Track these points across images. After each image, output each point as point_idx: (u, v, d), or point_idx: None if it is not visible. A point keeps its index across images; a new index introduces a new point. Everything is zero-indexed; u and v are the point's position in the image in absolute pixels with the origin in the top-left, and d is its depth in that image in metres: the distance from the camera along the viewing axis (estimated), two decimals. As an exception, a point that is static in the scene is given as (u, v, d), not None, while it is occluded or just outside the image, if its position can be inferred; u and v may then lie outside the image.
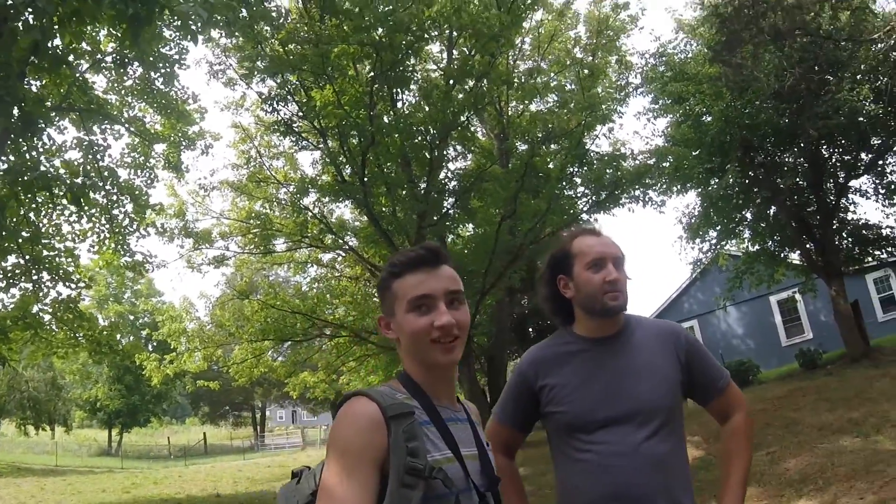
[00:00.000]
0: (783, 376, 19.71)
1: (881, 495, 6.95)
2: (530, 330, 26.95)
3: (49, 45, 6.45)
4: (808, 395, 14.11)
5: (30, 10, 5.12)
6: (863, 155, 18.37)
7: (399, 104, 16.76)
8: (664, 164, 17.17)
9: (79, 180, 9.71)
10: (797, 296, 22.87)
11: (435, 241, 17.43)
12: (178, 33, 12.36)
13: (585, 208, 18.32)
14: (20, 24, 5.30)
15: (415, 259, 1.79)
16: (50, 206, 11.94)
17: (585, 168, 17.77)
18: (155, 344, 31.91)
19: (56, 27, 5.85)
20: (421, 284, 1.75)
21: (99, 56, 14.00)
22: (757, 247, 20.22)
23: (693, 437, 12.46)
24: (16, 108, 7.12)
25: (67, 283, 14.33)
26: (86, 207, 13.09)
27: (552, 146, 19.00)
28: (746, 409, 2.54)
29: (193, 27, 6.95)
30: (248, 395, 54.83)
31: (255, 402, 59.54)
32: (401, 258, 1.82)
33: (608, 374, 2.37)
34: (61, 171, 10.66)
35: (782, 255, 20.03)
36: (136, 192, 16.28)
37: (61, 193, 8.42)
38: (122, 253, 16.50)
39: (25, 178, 7.85)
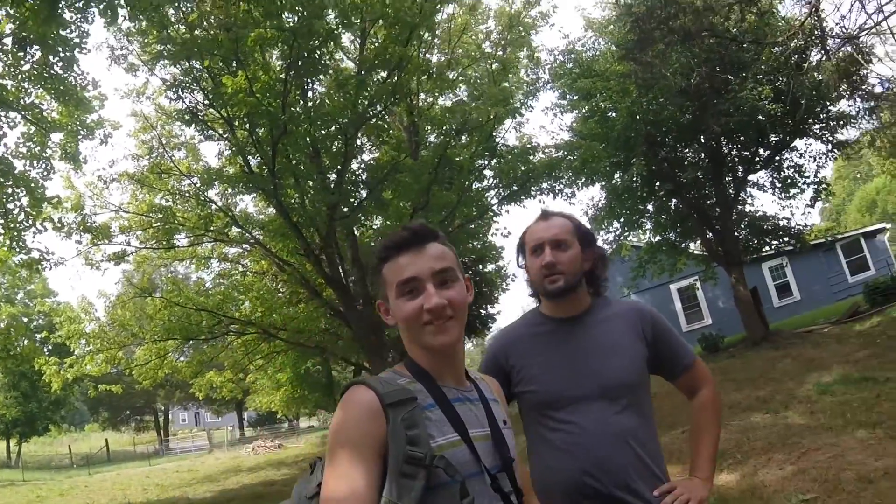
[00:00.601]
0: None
1: (799, 465, 7.17)
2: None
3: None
4: (714, 377, 14.49)
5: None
6: (761, 151, 19.13)
7: (309, 93, 16.48)
8: (572, 158, 17.45)
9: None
10: (697, 283, 24.12)
11: (343, 233, 17.31)
12: (78, 15, 11.73)
13: (496, 200, 18.44)
14: None
15: (398, 241, 1.76)
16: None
17: (495, 161, 17.85)
18: (51, 347, 30.45)
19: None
20: (406, 267, 1.73)
21: (-7, 38, 13.18)
22: (659, 237, 20.90)
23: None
24: None
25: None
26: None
27: (463, 139, 19.09)
28: (713, 383, 2.62)
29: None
30: (150, 398, 53.10)
31: (157, 405, 57.75)
32: (386, 242, 1.80)
33: (575, 352, 2.43)
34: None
35: (683, 245, 20.81)
36: (32, 185, 15.37)
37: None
38: (18, 250, 15.60)
39: None
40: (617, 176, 19.60)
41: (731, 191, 19.46)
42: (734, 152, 19.57)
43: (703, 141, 18.58)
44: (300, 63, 14.13)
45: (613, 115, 18.53)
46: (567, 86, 19.48)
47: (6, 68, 14.39)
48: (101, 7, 9.07)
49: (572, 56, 20.02)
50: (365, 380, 1.66)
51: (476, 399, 1.81)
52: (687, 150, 19.64)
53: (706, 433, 2.51)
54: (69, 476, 32.39)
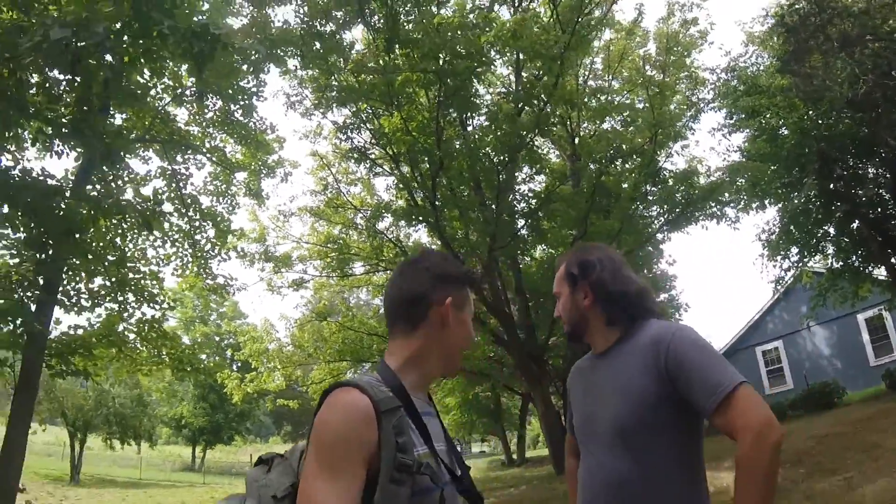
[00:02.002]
0: (869, 398, 18.84)
1: None
2: (611, 355, 26.62)
3: (122, 82, 6.90)
4: (890, 417, 13.43)
5: (100, 50, 5.52)
6: (948, 162, 17.53)
7: (469, 128, 17.00)
8: (740, 181, 16.86)
9: (148, 206, 10.20)
10: (885, 313, 21.94)
11: (506, 263, 17.59)
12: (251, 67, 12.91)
13: (659, 227, 18.16)
14: (94, 61, 5.72)
15: (476, 280, 1.95)
16: (134, 231, 12.56)
17: (659, 187, 17.57)
18: (239, 364, 32.84)
19: (128, 64, 6.30)
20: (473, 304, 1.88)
21: (179, 90, 14.70)
22: (840, 263, 19.35)
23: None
24: (98, 140, 7.61)
25: (152, 305, 14.89)
26: (158, 232, 13.62)
27: (626, 165, 18.93)
28: (760, 428, 1.92)
29: (256, 62, 7.32)
30: (328, 414, 55.35)
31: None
32: (471, 275, 1.93)
33: (594, 390, 2.37)
34: (133, 198, 11.22)
35: (867, 270, 19.17)
36: (218, 218, 16.90)
37: (132, 219, 8.87)
38: (205, 276, 17.14)
39: (102, 204, 8.33)
40: (791, 197, 18.47)
41: (916, 208, 17.99)
42: (916, 166, 18.11)
43: (882, 155, 17.26)
44: (450, 100, 14.64)
45: (783, 132, 17.64)
46: (731, 104, 18.79)
47: (191, 116, 15.97)
48: (246, 66, 9.96)
49: (735, 73, 19.29)
50: (356, 382, 1.61)
51: (434, 414, 1.84)
52: (865, 166, 18.29)
53: (739, 499, 1.92)
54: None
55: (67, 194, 8.62)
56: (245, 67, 11.07)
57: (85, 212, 8.30)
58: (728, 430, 1.97)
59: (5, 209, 7.08)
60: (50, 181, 7.59)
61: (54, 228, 7.40)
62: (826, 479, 9.65)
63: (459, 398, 29.97)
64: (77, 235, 7.70)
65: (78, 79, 6.21)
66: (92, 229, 9.32)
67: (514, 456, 31.95)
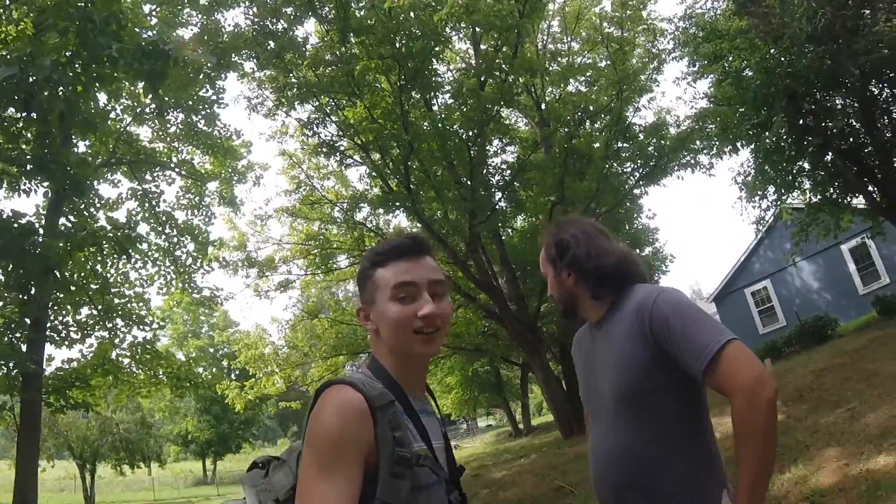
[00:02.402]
0: (862, 327, 18.97)
1: None
2: (598, 310, 26.76)
3: (80, 111, 6.81)
4: (886, 345, 13.48)
5: (50, 83, 5.44)
6: (915, 85, 17.57)
7: (434, 108, 16.93)
8: (710, 126, 16.89)
9: (121, 232, 10.12)
10: (868, 241, 22.00)
11: (489, 237, 17.58)
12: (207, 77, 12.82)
13: (635, 182, 18.20)
14: (47, 95, 5.63)
15: (399, 247, 1.73)
16: (114, 256, 12.51)
17: (631, 142, 17.59)
18: (237, 372, 32.81)
19: (82, 92, 6.21)
20: (405, 272, 1.70)
21: (139, 109, 14.58)
22: (818, 196, 19.31)
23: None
24: (63, 173, 7.53)
25: (141, 327, 14.86)
26: (136, 254, 13.57)
27: (596, 125, 18.92)
28: (753, 385, 1.90)
29: (212, 72, 7.26)
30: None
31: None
32: (384, 247, 1.76)
33: (590, 363, 2.39)
34: (106, 226, 11.15)
35: (846, 201, 19.11)
36: (196, 231, 16.86)
37: (109, 247, 8.82)
38: (190, 291, 17.09)
39: (76, 237, 8.27)
40: (763, 137, 18.48)
41: (888, 134, 18.04)
42: (885, 92, 18.11)
43: (847, 85, 17.29)
44: (411, 83, 14.58)
45: (747, 73, 17.61)
46: (693, 52, 18.71)
47: (154, 133, 15.87)
48: (198, 76, 9.90)
49: (693, 20, 19.17)
50: (348, 380, 1.60)
51: (432, 412, 1.81)
52: (832, 99, 18.30)
53: (740, 458, 1.92)
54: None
55: (41, 231, 8.56)
56: (201, 77, 10.97)
57: (61, 247, 8.23)
58: (721, 390, 1.96)
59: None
60: (21, 221, 7.49)
61: (32, 268, 7.32)
62: (830, 413, 9.73)
63: (460, 376, 30.09)
64: (55, 273, 7.60)
65: (34, 114, 6.11)
66: (70, 263, 9.22)
67: (521, 426, 32.17)
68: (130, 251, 10.72)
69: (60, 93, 5.63)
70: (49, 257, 7.37)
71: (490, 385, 31.98)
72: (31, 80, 5.25)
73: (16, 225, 7.07)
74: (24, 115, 6.50)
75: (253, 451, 56.59)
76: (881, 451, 7.24)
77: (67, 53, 6.39)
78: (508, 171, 18.39)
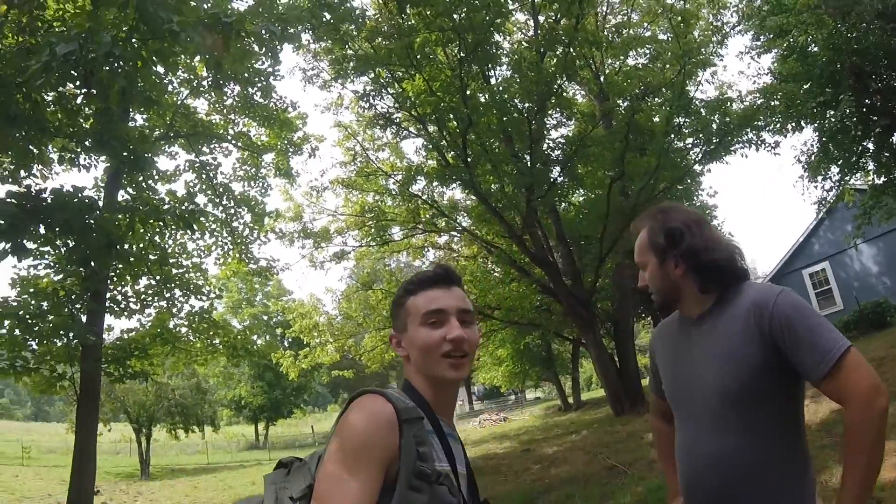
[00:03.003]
0: (924, 315, 18.54)
1: None
2: (654, 292, 26.46)
3: (138, 86, 6.80)
4: None
5: (110, 59, 5.40)
6: None
7: (493, 81, 16.71)
8: (774, 103, 16.38)
9: (185, 206, 10.20)
10: None
11: (546, 211, 17.37)
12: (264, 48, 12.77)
13: (697, 159, 17.76)
14: (107, 71, 5.60)
15: (430, 278, 1.83)
16: (172, 227, 12.64)
17: (693, 118, 17.13)
18: (290, 341, 33.29)
19: (141, 68, 6.18)
20: (435, 300, 1.79)
21: (196, 82, 14.64)
22: (883, 178, 18.66)
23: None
24: (123, 148, 7.55)
25: (199, 296, 15.03)
26: (198, 229, 13.66)
27: (656, 100, 18.51)
28: (869, 394, 1.94)
29: (270, 44, 7.17)
30: (383, 379, 56.74)
31: (391, 384, 61.47)
32: (416, 277, 1.86)
33: (688, 357, 2.28)
34: (165, 198, 11.23)
35: None
36: (252, 203, 16.98)
37: (173, 222, 8.86)
38: (247, 261, 17.24)
39: (140, 212, 8.32)
40: (828, 116, 17.88)
41: (956, 118, 17.28)
42: (954, 75, 17.36)
43: (918, 66, 16.61)
44: (471, 56, 14.36)
45: (813, 49, 17.03)
46: (757, 26, 18.15)
47: (211, 106, 15.91)
48: (261, 49, 9.80)
49: (759, -8, 18.64)
50: (381, 391, 1.68)
51: (458, 439, 1.84)
52: (901, 77, 17.62)
53: (849, 462, 1.94)
54: (311, 453, 35.11)
55: (101, 204, 8.63)
56: (257, 48, 10.94)
57: (123, 223, 8.30)
58: (837, 396, 1.98)
59: (42, 230, 7.06)
60: (83, 197, 7.53)
61: (94, 244, 7.39)
62: (890, 404, 9.37)
63: (511, 349, 30.03)
64: (117, 248, 7.67)
65: (94, 91, 6.10)
66: (131, 236, 9.30)
67: (570, 400, 32.08)
68: (196, 227, 10.85)
69: (119, 69, 5.59)
70: (111, 232, 7.43)
71: (541, 359, 31.89)
72: (90, 56, 5.21)
73: (78, 202, 7.12)
74: (83, 91, 6.50)
75: (304, 417, 57.83)
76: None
77: (125, 28, 6.37)
78: (567, 146, 18.07)
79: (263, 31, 6.41)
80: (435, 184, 18.61)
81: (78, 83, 6.26)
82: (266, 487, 1.75)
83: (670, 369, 2.39)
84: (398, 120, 17.75)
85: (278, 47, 11.06)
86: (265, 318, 49.80)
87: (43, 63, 5.05)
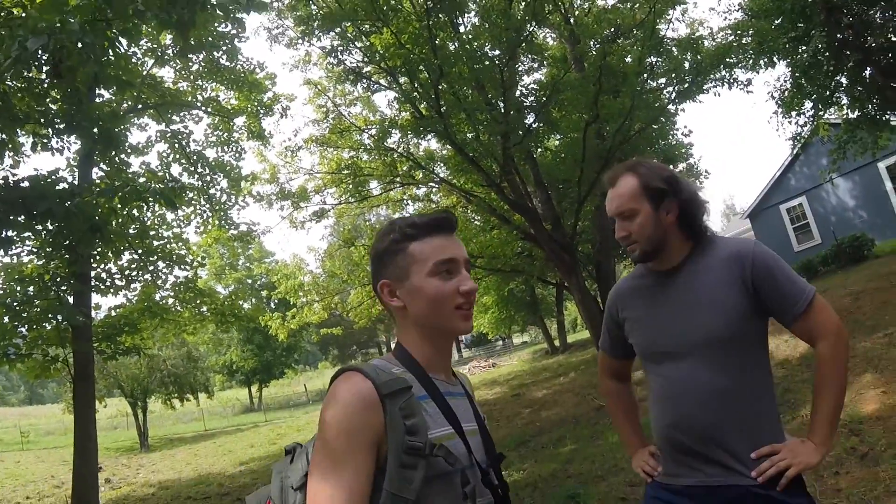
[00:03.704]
0: (899, 248, 18.80)
1: None
2: (634, 232, 26.63)
3: (111, 68, 6.73)
4: None
5: (80, 46, 5.31)
6: (958, 0, 16.77)
7: (461, 29, 16.56)
8: (745, 40, 16.34)
9: (165, 184, 10.15)
10: None
11: (522, 157, 17.36)
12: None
13: (670, 99, 17.74)
14: (77, 57, 5.51)
15: (434, 223, 1.71)
16: (156, 207, 12.58)
17: (664, 57, 17.06)
18: (276, 302, 33.36)
19: (114, 53, 6.11)
20: (445, 248, 1.68)
21: (160, 51, 14.43)
22: (856, 113, 18.62)
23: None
24: (94, 126, 7.47)
25: (182, 266, 15.03)
26: (179, 205, 13.58)
27: (627, 41, 18.39)
28: (837, 331, 2.25)
29: (236, 14, 7.07)
30: (371, 333, 57.20)
31: (379, 337, 61.92)
32: (417, 221, 1.72)
33: (669, 306, 2.36)
34: (145, 180, 11.16)
35: (884, 118, 18.33)
36: (227, 168, 16.91)
37: (155, 201, 8.80)
38: (227, 227, 17.21)
39: (123, 195, 8.26)
40: (800, 51, 17.82)
41: (930, 51, 17.28)
42: (928, 9, 17.31)
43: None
44: (439, 5, 14.21)
45: (786, -17, 16.93)
46: (727, -40, 18.06)
47: (177, 73, 15.72)
48: (228, 21, 9.66)
49: (726, -76, 18.47)
50: (359, 367, 1.58)
51: (462, 394, 1.78)
52: (873, 12, 17.56)
53: (824, 392, 2.22)
54: (306, 412, 35.76)
55: (77, 186, 8.57)
56: (220, 13, 10.79)
57: (105, 206, 8.26)
58: (809, 333, 2.26)
59: (23, 219, 7.01)
60: (59, 181, 7.49)
61: (78, 229, 7.35)
62: (867, 337, 9.64)
63: (495, 296, 30.33)
64: (101, 231, 7.64)
65: (63, 76, 6.02)
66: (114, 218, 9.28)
67: (556, 343, 32.48)
68: (177, 204, 10.78)
69: (90, 55, 5.50)
70: (94, 216, 7.39)
71: (526, 304, 32.26)
72: (59, 46, 5.13)
73: (58, 190, 7.08)
74: (52, 78, 6.40)
75: (296, 377, 58.20)
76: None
77: (89, 11, 6.26)
78: (541, 91, 17.99)
79: (231, 6, 6.30)
80: (410, 136, 18.56)
81: (46, 70, 6.18)
82: (273, 477, 1.69)
83: (648, 320, 2.43)
84: (368, 74, 17.58)
85: (245, 16, 10.92)
86: (249, 281, 49.96)
87: (13, 58, 4.97)
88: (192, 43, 11.74)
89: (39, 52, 5.24)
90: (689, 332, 2.27)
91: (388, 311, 1.76)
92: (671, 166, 25.46)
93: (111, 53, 6.63)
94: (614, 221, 2.42)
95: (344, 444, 1.46)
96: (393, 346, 1.80)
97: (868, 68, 16.93)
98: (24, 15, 6.08)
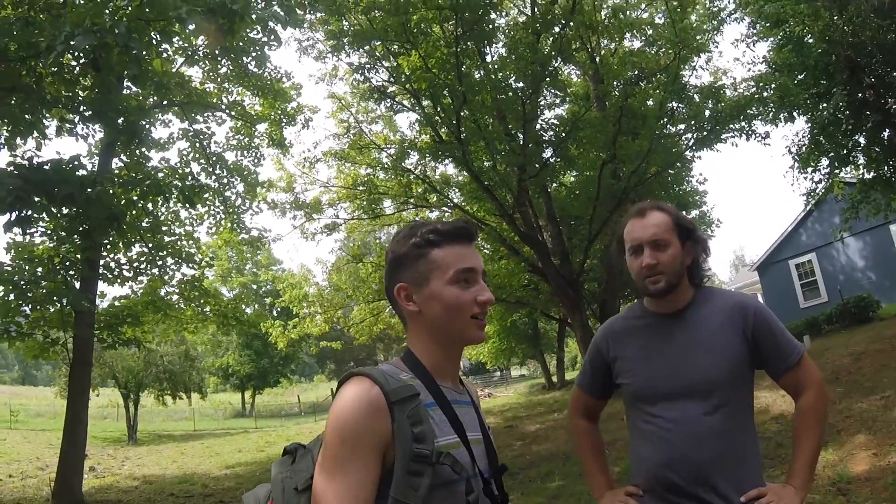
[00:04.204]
0: (905, 312, 18.71)
1: None
2: (641, 274, 26.57)
3: (150, 70, 6.88)
4: None
5: (123, 48, 5.45)
6: (982, 68, 16.86)
7: (488, 58, 16.75)
8: (767, 93, 16.45)
9: (186, 182, 10.29)
10: None
11: (536, 190, 17.45)
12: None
13: (689, 145, 17.84)
14: (117, 56, 5.64)
15: (455, 231, 1.71)
16: (167, 202, 12.72)
17: (685, 103, 17.19)
18: (279, 310, 33.40)
19: (150, 47, 6.25)
20: (465, 258, 1.68)
21: (191, 51, 14.65)
22: (872, 173, 18.55)
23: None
24: (119, 117, 7.59)
25: (190, 265, 15.13)
26: (197, 203, 13.71)
27: (650, 84, 18.54)
28: (820, 384, 2.41)
29: (273, 27, 7.23)
30: (370, 351, 57.10)
31: (377, 356, 61.77)
32: (441, 227, 1.71)
33: (671, 348, 2.38)
34: (168, 177, 11.27)
35: None
36: (245, 173, 17.08)
37: (173, 196, 8.92)
38: (239, 231, 17.34)
39: (141, 187, 8.38)
40: (820, 108, 17.88)
41: (948, 117, 17.33)
42: (949, 74, 17.40)
43: (912, 63, 16.67)
44: (467, 33, 14.39)
45: (809, 40, 17.05)
46: (755, 13, 18.12)
47: (206, 74, 15.91)
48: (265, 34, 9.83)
49: (756, -20, 18.58)
50: (368, 372, 1.57)
51: (468, 403, 1.77)
52: (894, 75, 17.69)
53: (805, 439, 2.34)
54: (297, 423, 35.60)
55: (97, 174, 8.69)
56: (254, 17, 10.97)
57: (124, 196, 8.39)
58: (796, 384, 2.40)
59: (44, 202, 7.12)
60: (81, 167, 7.61)
61: (96, 217, 7.45)
62: (864, 399, 9.66)
63: (498, 326, 30.25)
64: (117, 221, 7.74)
65: (101, 70, 6.17)
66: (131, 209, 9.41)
67: (554, 378, 32.33)
68: (196, 202, 10.89)
69: (131, 57, 5.63)
70: (112, 206, 7.50)
71: (527, 336, 32.15)
72: (104, 42, 5.26)
73: (80, 176, 7.19)
74: (89, 71, 6.55)
75: (291, 387, 57.98)
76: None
77: (129, 11, 6.40)
78: (560, 127, 18.14)
79: (270, 20, 6.44)
80: (428, 159, 18.69)
81: (83, 62, 6.32)
82: (273, 477, 1.67)
83: (646, 360, 2.43)
84: (392, 94, 17.78)
85: (282, 31, 11.11)
86: (255, 287, 50.01)
87: (57, 51, 5.08)
88: (226, 48, 11.95)
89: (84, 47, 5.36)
90: (691, 374, 2.31)
91: (400, 315, 1.76)
92: (684, 212, 25.79)
93: (149, 54, 6.75)
94: (628, 255, 2.45)
95: (351, 447, 1.47)
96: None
97: (887, 130, 16.98)
98: (62, 1, 6.22)
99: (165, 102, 14.44)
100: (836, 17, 15.60)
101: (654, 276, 2.37)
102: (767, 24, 17.75)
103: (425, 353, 1.70)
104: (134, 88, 12.11)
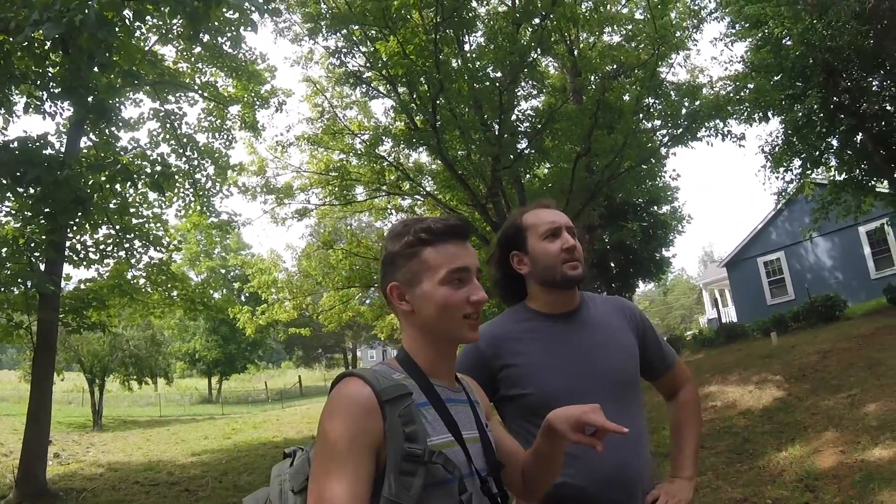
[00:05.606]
0: (871, 312, 18.96)
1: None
2: (612, 265, 26.79)
3: (121, 56, 6.69)
4: (894, 334, 13.41)
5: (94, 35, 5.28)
6: (956, 76, 17.16)
7: (466, 47, 16.63)
8: (743, 93, 16.54)
9: (157, 168, 10.09)
10: (887, 227, 22.09)
11: (510, 181, 17.41)
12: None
13: (664, 142, 17.87)
14: (86, 39, 5.45)
15: (449, 229, 1.70)
16: (133, 187, 12.50)
17: (662, 100, 17.20)
18: (247, 296, 33.12)
19: (125, 44, 6.08)
20: (458, 257, 1.67)
21: (164, 29, 14.36)
22: (843, 175, 19.09)
23: (775, 375, 12.28)
24: (89, 95, 7.37)
25: (158, 248, 14.90)
26: (167, 190, 13.47)
27: (627, 79, 18.54)
28: (693, 381, 2.59)
29: (252, 16, 7.08)
30: (339, 338, 56.87)
31: (346, 344, 61.60)
32: (434, 225, 1.70)
33: (574, 350, 2.22)
34: (138, 161, 11.04)
35: (870, 183, 18.83)
36: (216, 155, 16.83)
37: (142, 181, 8.73)
38: (209, 214, 17.10)
39: (110, 171, 8.18)
40: (795, 109, 18.06)
41: (923, 122, 17.58)
42: (924, 80, 17.67)
43: (887, 68, 16.89)
44: (447, 21, 14.28)
45: (787, 42, 17.19)
46: (735, 13, 18.25)
47: (179, 54, 15.63)
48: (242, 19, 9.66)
49: (738, -21, 18.69)
50: (359, 373, 1.58)
51: (464, 401, 1.74)
52: (870, 79, 17.85)
53: (688, 431, 2.44)
54: (264, 410, 35.32)
55: (65, 153, 8.49)
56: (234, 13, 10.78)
57: (92, 179, 8.19)
58: (674, 381, 2.53)
59: (8, 182, 6.92)
60: (47, 146, 7.41)
61: (62, 199, 7.25)
62: (831, 396, 9.79)
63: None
64: (84, 204, 7.55)
65: (70, 53, 5.98)
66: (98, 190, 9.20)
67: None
68: (165, 189, 10.69)
69: (101, 40, 5.45)
70: (80, 190, 7.32)
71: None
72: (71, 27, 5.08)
73: (47, 157, 7.00)
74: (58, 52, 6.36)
75: (258, 373, 57.67)
76: (878, 443, 7.31)
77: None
78: (537, 119, 18.07)
79: (248, 4, 6.28)
80: (402, 146, 18.54)
81: (52, 44, 6.14)
82: (272, 480, 1.69)
83: (547, 366, 2.20)
84: (368, 79, 17.55)
85: (260, 19, 10.90)
86: (223, 271, 49.51)
87: (24, 34, 4.91)
88: (201, 39, 11.73)
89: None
90: (606, 375, 2.19)
91: (395, 313, 1.76)
92: (655, 207, 25.79)
93: (120, 34, 6.55)
94: (542, 241, 2.28)
95: (344, 447, 1.46)
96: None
97: (860, 133, 17.23)
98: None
99: (136, 81, 14.18)
100: (815, 21, 15.76)
101: (574, 260, 2.26)
102: (747, 25, 17.91)
103: (419, 351, 1.70)
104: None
